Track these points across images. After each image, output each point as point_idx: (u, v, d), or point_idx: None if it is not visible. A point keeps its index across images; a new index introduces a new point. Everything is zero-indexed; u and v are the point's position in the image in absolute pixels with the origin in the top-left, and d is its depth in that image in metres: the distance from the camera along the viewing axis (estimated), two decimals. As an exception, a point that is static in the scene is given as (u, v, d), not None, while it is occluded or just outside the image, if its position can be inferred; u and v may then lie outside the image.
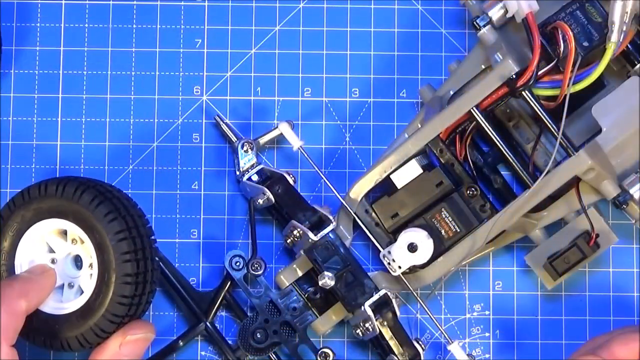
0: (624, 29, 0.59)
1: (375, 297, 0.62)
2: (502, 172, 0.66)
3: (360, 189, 0.63)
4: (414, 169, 0.63)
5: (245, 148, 0.65)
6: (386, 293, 0.62)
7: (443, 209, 0.62)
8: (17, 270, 0.61)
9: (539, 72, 0.59)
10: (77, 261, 0.62)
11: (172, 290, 0.65)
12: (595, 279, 0.67)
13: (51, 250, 0.62)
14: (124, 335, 0.60)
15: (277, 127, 0.65)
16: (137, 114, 0.68)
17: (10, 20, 0.68)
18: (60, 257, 0.61)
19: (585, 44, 0.60)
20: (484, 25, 0.61)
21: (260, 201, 0.64)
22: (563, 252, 0.62)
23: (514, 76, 0.59)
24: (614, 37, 0.59)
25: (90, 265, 0.60)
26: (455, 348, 0.62)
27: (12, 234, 0.61)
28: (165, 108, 0.68)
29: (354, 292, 0.62)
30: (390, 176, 0.63)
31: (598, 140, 0.59)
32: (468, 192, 0.63)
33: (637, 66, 0.61)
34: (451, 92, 0.64)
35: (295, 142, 0.64)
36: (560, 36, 0.59)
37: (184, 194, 0.67)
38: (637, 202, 0.60)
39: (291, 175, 0.65)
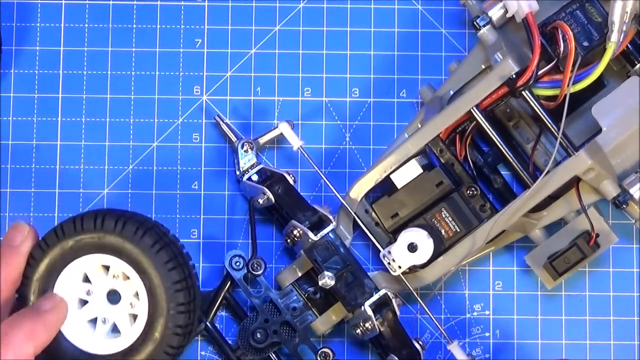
0: (624, 28, 0.59)
1: (375, 297, 0.62)
2: (502, 172, 0.66)
3: (360, 189, 0.63)
4: (414, 169, 0.63)
5: (245, 148, 0.65)
6: (386, 293, 0.62)
7: (443, 209, 0.62)
8: None
9: (539, 72, 0.59)
10: (109, 294, 0.60)
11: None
12: (595, 279, 0.67)
13: (87, 280, 0.59)
14: None
15: (277, 127, 0.65)
16: (137, 114, 0.68)
17: (10, 20, 0.68)
18: (97, 291, 0.59)
19: (585, 44, 0.60)
20: (484, 25, 0.61)
21: (260, 201, 0.64)
22: (563, 252, 0.62)
23: (514, 76, 0.59)
24: (614, 37, 0.59)
25: (131, 304, 0.59)
26: (455, 348, 0.62)
27: (52, 261, 0.58)
28: (165, 108, 0.68)
29: (354, 292, 0.62)
30: (390, 176, 0.63)
31: (598, 140, 0.59)
32: (468, 192, 0.63)
33: (637, 66, 0.61)
34: (451, 92, 0.64)
35: (295, 142, 0.64)
36: (560, 36, 0.59)
37: (184, 194, 0.67)
38: (637, 202, 0.60)
39: (291, 175, 0.65)
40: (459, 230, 0.62)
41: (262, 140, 0.66)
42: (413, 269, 0.63)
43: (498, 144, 0.62)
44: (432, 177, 0.63)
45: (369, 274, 0.63)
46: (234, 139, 0.66)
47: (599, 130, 0.59)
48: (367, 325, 0.62)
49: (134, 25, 0.68)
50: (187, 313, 0.57)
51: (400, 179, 0.63)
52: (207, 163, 0.67)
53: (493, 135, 0.61)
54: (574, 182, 0.61)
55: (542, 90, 0.60)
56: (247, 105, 0.68)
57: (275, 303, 0.64)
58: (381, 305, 0.62)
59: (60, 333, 0.58)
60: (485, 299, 0.67)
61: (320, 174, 0.64)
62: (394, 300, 0.63)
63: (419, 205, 0.63)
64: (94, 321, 0.59)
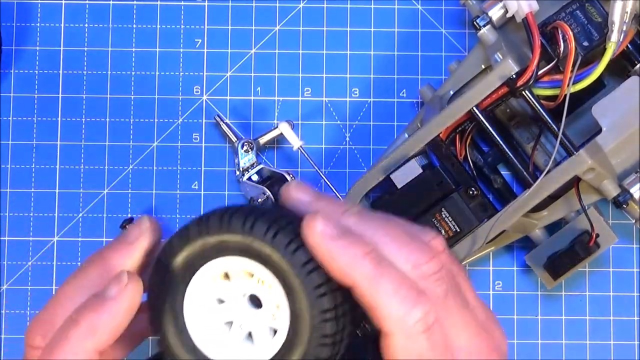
0: (624, 28, 0.59)
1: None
2: (502, 172, 0.66)
3: (360, 189, 0.63)
4: (414, 169, 0.63)
5: (245, 148, 0.65)
6: (386, 293, 0.62)
7: (443, 209, 0.62)
8: (186, 300, 0.49)
9: (539, 72, 0.59)
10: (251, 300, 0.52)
11: (172, 290, 0.65)
12: (595, 279, 0.67)
13: (226, 277, 0.50)
14: None
15: (277, 127, 0.65)
16: (137, 114, 0.68)
17: (10, 20, 0.68)
18: (236, 293, 0.50)
19: (585, 43, 0.60)
20: (484, 25, 0.61)
21: (260, 201, 0.64)
22: (563, 252, 0.62)
23: (514, 76, 0.59)
24: (614, 37, 0.59)
25: (273, 315, 0.49)
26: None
27: (191, 255, 0.50)
28: (165, 108, 0.68)
29: (354, 292, 0.62)
30: (390, 176, 0.63)
31: (598, 140, 0.59)
32: (468, 192, 0.63)
33: (637, 66, 0.61)
34: (451, 92, 0.64)
35: (295, 142, 0.64)
36: (560, 36, 0.59)
37: (184, 194, 0.67)
38: (637, 202, 0.60)
39: (291, 175, 0.65)
40: (459, 230, 0.62)
41: (262, 140, 0.66)
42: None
43: (498, 144, 0.62)
44: (432, 177, 0.63)
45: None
46: (234, 139, 0.66)
47: (599, 130, 0.59)
48: (367, 325, 0.62)
49: (134, 25, 0.68)
50: (331, 346, 0.49)
51: (400, 179, 0.63)
52: (207, 163, 0.67)
53: (493, 135, 0.61)
54: (574, 182, 0.61)
55: (542, 90, 0.60)
56: (247, 105, 0.68)
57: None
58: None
59: (186, 332, 0.49)
60: (485, 299, 0.66)
61: (320, 174, 0.64)
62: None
63: (419, 205, 0.63)
64: (228, 326, 0.51)
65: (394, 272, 0.46)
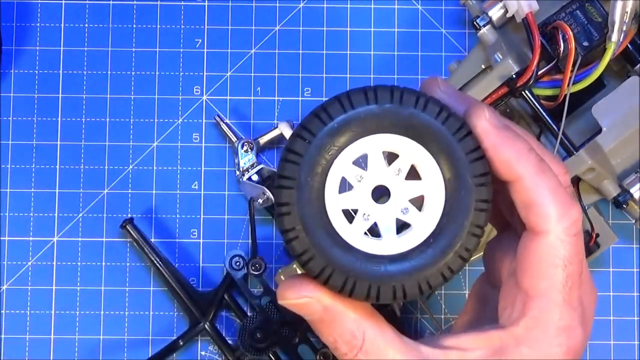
0: (624, 28, 0.59)
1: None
2: (502, 172, 0.66)
3: (360, 189, 0.63)
4: (414, 169, 0.63)
5: (245, 148, 0.65)
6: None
7: (443, 209, 0.62)
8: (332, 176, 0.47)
9: (539, 72, 0.59)
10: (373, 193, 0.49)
11: (172, 290, 0.65)
12: (595, 279, 0.66)
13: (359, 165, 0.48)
14: None
15: (277, 127, 0.65)
16: (137, 114, 0.68)
17: (10, 20, 0.68)
18: (368, 180, 0.48)
19: (585, 43, 0.60)
20: (484, 25, 0.61)
21: (260, 201, 0.64)
22: (563, 252, 0.62)
23: (514, 76, 0.59)
24: (614, 37, 0.59)
25: (405, 209, 0.48)
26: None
27: (353, 126, 0.47)
28: (165, 108, 0.68)
29: (354, 292, 0.62)
30: (391, 176, 0.63)
31: (598, 140, 0.59)
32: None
33: (637, 66, 0.61)
34: (451, 92, 0.64)
35: (295, 142, 0.64)
36: (560, 36, 0.59)
37: (184, 194, 0.67)
38: (637, 202, 0.60)
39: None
40: (459, 230, 0.62)
41: (262, 140, 0.66)
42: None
43: (498, 144, 0.62)
44: (432, 177, 0.63)
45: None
46: (234, 139, 0.66)
47: (599, 130, 0.59)
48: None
49: (134, 25, 0.68)
50: (478, 238, 0.48)
51: (401, 179, 0.63)
52: (207, 163, 0.67)
53: (493, 135, 0.61)
54: (574, 182, 0.61)
55: (542, 90, 0.60)
56: (247, 105, 0.68)
57: (275, 303, 0.64)
58: (381, 306, 0.62)
59: (326, 215, 0.47)
60: (485, 299, 0.67)
61: (320, 174, 0.64)
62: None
63: (419, 205, 0.63)
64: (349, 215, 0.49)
65: (552, 173, 0.47)
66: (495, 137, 0.47)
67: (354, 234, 0.48)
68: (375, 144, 0.48)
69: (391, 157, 0.48)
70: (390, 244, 0.48)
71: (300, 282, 0.47)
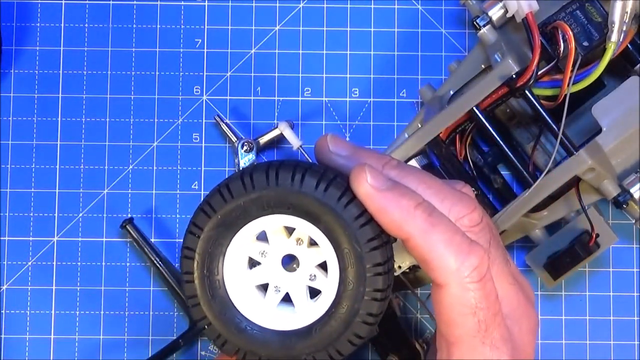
0: (624, 28, 0.59)
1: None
2: (502, 172, 0.66)
3: (360, 189, 0.63)
4: (414, 169, 0.63)
5: (245, 148, 0.65)
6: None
7: (443, 209, 0.62)
8: (228, 259, 0.49)
9: (539, 72, 0.59)
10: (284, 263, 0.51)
11: (172, 290, 0.65)
12: (595, 279, 0.67)
13: (263, 239, 0.50)
14: None
15: (277, 127, 0.65)
16: (137, 114, 0.68)
17: (10, 20, 0.68)
18: (274, 254, 0.49)
19: (585, 43, 0.60)
20: (484, 25, 0.61)
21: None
22: (563, 252, 0.62)
23: (514, 76, 0.59)
24: (614, 37, 0.59)
25: (313, 276, 0.49)
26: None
27: (234, 214, 0.48)
28: (165, 108, 0.68)
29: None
30: (391, 176, 0.63)
31: (598, 140, 0.59)
32: (468, 192, 0.63)
33: (637, 66, 0.61)
34: (451, 92, 0.64)
35: (295, 142, 0.64)
36: (560, 36, 0.59)
37: (184, 194, 0.67)
38: (637, 202, 0.60)
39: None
40: (459, 230, 0.62)
41: (262, 140, 0.66)
42: (413, 269, 0.63)
43: (498, 144, 0.62)
44: (432, 177, 0.63)
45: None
46: (234, 139, 0.66)
47: (599, 130, 0.59)
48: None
49: (134, 25, 0.68)
50: (381, 301, 0.48)
51: (401, 179, 0.63)
52: (207, 163, 0.67)
53: (493, 135, 0.61)
54: (574, 182, 0.61)
55: (542, 90, 0.60)
56: (247, 105, 0.68)
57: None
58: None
59: (228, 299, 0.49)
60: (485, 299, 0.66)
61: (320, 174, 0.64)
62: (394, 300, 0.62)
63: (419, 205, 0.63)
64: (264, 288, 0.51)
65: (445, 223, 0.47)
66: (378, 201, 0.46)
67: (266, 309, 0.49)
68: (269, 223, 0.48)
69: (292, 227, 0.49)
70: (305, 314, 0.49)
71: None
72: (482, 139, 0.66)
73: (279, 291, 0.50)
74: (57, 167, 0.67)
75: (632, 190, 0.59)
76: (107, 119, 0.67)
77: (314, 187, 0.47)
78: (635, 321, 0.66)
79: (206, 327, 0.49)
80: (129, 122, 0.67)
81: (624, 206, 0.60)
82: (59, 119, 0.67)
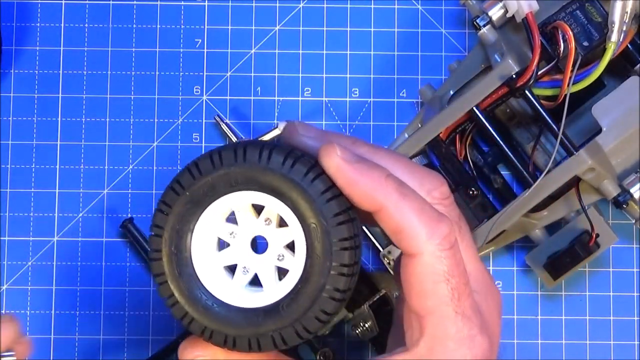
0: (624, 28, 0.59)
1: (375, 297, 0.62)
2: (502, 172, 0.66)
3: (360, 189, 0.63)
4: (414, 169, 0.63)
5: (245, 148, 0.65)
6: (386, 293, 0.62)
7: (443, 209, 0.62)
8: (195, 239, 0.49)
9: (539, 72, 0.59)
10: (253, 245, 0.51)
11: (172, 290, 0.65)
12: (595, 279, 0.67)
13: (233, 221, 0.50)
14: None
15: (277, 127, 0.65)
16: (137, 114, 0.68)
17: (10, 20, 0.68)
18: (242, 235, 0.49)
19: (585, 43, 0.60)
20: (484, 25, 0.61)
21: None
22: (563, 252, 0.62)
23: (514, 76, 0.59)
24: (614, 37, 0.59)
25: (280, 256, 0.49)
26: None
27: (197, 194, 0.48)
28: (165, 108, 0.68)
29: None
30: (390, 176, 0.63)
31: (598, 140, 0.59)
32: (468, 192, 0.63)
33: (637, 66, 0.61)
34: (451, 92, 0.64)
35: (295, 142, 0.64)
36: (560, 36, 0.59)
37: (184, 194, 0.67)
38: (637, 202, 0.60)
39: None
40: (459, 230, 0.62)
41: (262, 140, 0.66)
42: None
43: (498, 144, 0.62)
44: (432, 177, 0.63)
45: (369, 274, 0.63)
46: (234, 139, 0.66)
47: (599, 130, 0.59)
48: (367, 325, 0.62)
49: (134, 25, 0.68)
50: (348, 276, 0.48)
51: (400, 179, 0.63)
52: (207, 163, 0.67)
53: (493, 135, 0.61)
54: (574, 182, 0.61)
55: (542, 90, 0.60)
56: (247, 105, 0.68)
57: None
58: (381, 306, 0.62)
59: (195, 277, 0.49)
60: (485, 299, 0.66)
61: (320, 174, 0.64)
62: (394, 301, 0.62)
63: (419, 205, 0.63)
64: (232, 269, 0.50)
65: (415, 194, 0.47)
66: (349, 173, 0.47)
67: (234, 290, 0.49)
68: (237, 201, 0.48)
69: (262, 207, 0.49)
70: (272, 293, 0.49)
71: (195, 341, 0.49)
72: (482, 139, 0.66)
73: (248, 272, 0.50)
74: (57, 167, 0.67)
75: (632, 190, 0.59)
76: (107, 119, 0.67)
77: (280, 163, 0.47)
78: (635, 321, 0.66)
79: (172, 305, 0.49)
80: (129, 122, 0.67)
81: (624, 206, 0.60)
82: (59, 119, 0.67)
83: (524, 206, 0.61)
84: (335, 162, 0.47)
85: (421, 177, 0.49)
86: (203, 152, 0.67)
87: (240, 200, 0.48)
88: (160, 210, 0.49)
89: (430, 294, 0.47)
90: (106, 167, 0.67)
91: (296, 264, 0.48)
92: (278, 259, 0.49)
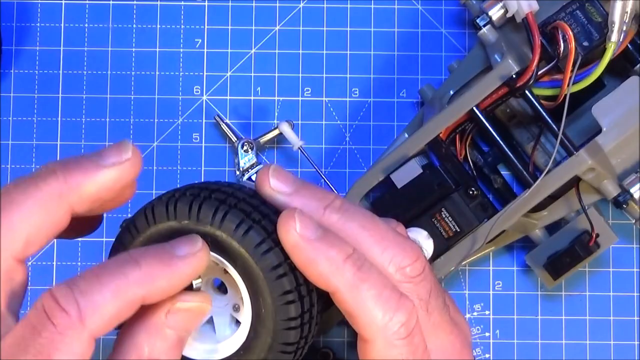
0: (624, 28, 0.59)
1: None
2: (502, 172, 0.66)
3: (360, 189, 0.63)
4: (414, 169, 0.63)
5: (245, 148, 0.65)
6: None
7: (443, 209, 0.62)
8: None
9: (539, 72, 0.59)
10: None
11: (172, 290, 0.65)
12: (595, 279, 0.67)
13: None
14: (173, 301, 0.44)
15: (277, 127, 0.65)
16: (137, 114, 0.68)
17: (10, 20, 0.68)
18: (202, 277, 0.47)
19: (585, 43, 0.60)
20: (484, 25, 0.61)
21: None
22: (563, 252, 0.62)
23: (514, 76, 0.59)
24: (614, 37, 0.59)
25: (235, 306, 0.48)
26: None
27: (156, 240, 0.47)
28: (165, 108, 0.68)
29: (354, 292, 0.62)
30: (390, 176, 0.63)
31: (598, 140, 0.59)
32: (468, 192, 0.63)
33: (637, 66, 0.61)
34: (451, 92, 0.64)
35: (295, 142, 0.64)
36: (560, 36, 0.59)
37: (184, 194, 0.67)
38: (637, 202, 0.60)
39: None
40: (459, 230, 0.62)
41: (262, 140, 0.66)
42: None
43: (498, 144, 0.62)
44: (432, 177, 0.63)
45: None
46: (234, 139, 0.66)
47: (599, 130, 0.59)
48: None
49: (134, 25, 0.68)
50: (297, 328, 0.46)
51: (400, 179, 0.63)
52: (207, 163, 0.67)
53: (493, 135, 0.61)
54: (574, 182, 0.61)
55: (542, 90, 0.60)
56: (247, 105, 0.68)
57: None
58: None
59: None
60: (485, 299, 0.67)
61: (320, 174, 0.64)
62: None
63: (419, 205, 0.63)
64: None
65: (375, 277, 0.45)
66: (306, 253, 0.44)
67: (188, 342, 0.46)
68: None
69: None
70: (223, 342, 0.47)
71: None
72: (482, 139, 0.66)
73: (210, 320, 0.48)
74: (57, 167, 0.67)
75: (632, 190, 0.59)
76: (107, 119, 0.67)
77: (232, 229, 0.45)
78: (635, 321, 0.66)
79: None
80: (129, 122, 0.67)
81: (624, 206, 0.60)
82: (59, 119, 0.67)
83: (524, 206, 0.61)
84: (292, 239, 0.44)
85: (393, 253, 0.46)
86: (203, 152, 0.67)
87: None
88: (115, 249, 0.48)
89: None
90: (106, 167, 0.67)
91: (246, 320, 0.46)
92: (234, 308, 0.48)
